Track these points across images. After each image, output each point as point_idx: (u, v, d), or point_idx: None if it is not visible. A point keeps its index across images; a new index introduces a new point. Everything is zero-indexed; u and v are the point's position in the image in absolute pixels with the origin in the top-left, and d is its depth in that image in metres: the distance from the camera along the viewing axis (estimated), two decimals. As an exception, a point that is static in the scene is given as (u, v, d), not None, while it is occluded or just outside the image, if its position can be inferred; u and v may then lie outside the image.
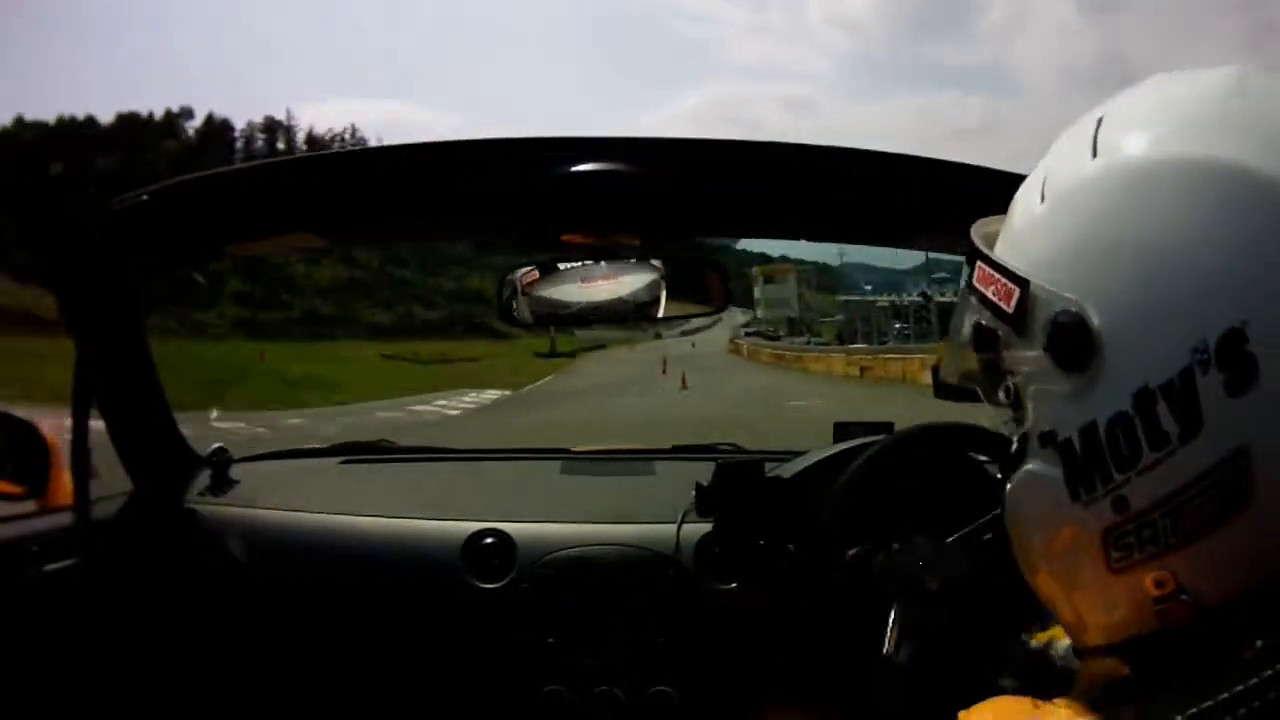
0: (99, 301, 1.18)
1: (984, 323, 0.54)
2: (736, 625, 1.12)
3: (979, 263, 0.54)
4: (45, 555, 1.10)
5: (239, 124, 71.55)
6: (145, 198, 1.06)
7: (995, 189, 0.61)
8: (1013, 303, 0.51)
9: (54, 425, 1.26)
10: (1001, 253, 0.53)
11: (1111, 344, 0.46)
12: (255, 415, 13.84)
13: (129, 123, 62.93)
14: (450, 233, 1.39)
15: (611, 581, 1.16)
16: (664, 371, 25.58)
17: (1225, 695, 0.39)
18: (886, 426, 1.25)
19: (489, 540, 1.19)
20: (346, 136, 74.28)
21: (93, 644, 1.15)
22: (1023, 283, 0.50)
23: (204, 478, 1.34)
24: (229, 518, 1.26)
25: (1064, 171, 0.51)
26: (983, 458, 1.02)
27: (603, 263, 1.15)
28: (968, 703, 0.51)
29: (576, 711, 1.13)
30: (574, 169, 0.98)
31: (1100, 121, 0.51)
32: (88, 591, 1.14)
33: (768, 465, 1.14)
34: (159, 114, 67.07)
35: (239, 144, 68.70)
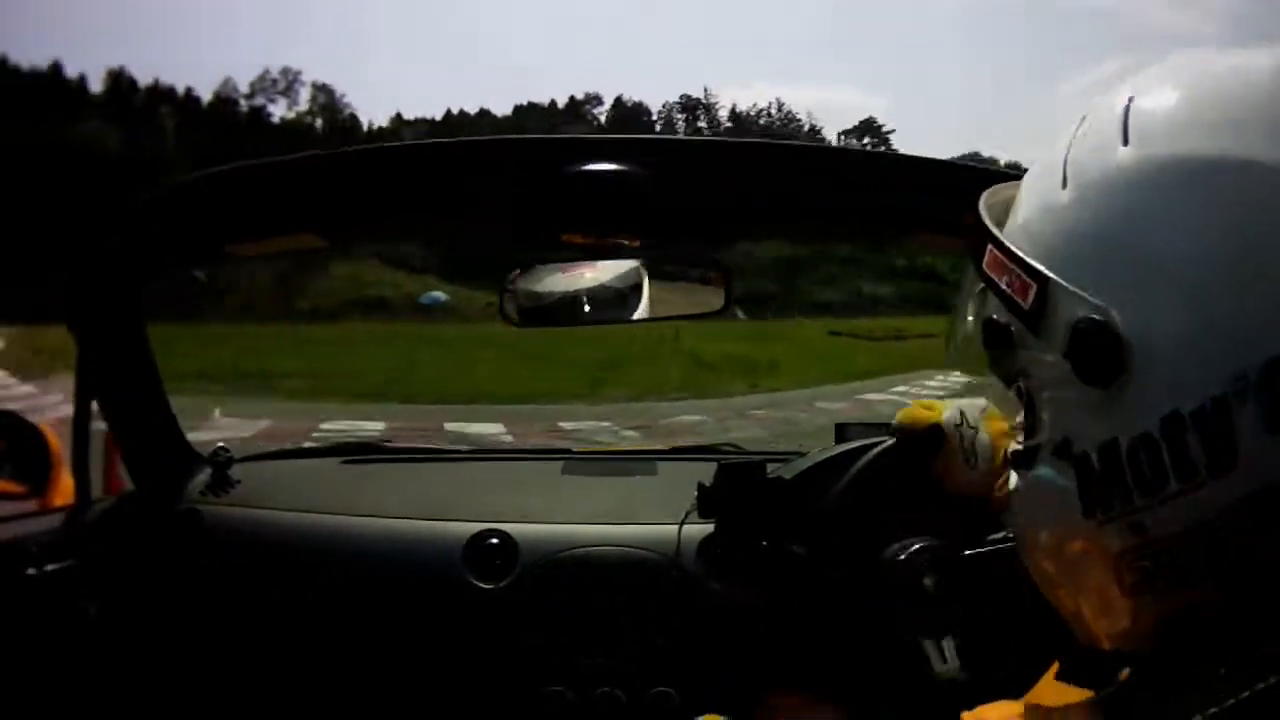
0: (100, 301, 1.18)
1: (996, 316, 0.49)
2: (738, 626, 1.12)
3: (990, 246, 0.49)
4: (45, 555, 1.10)
5: (654, 106, 66.60)
6: (145, 197, 1.06)
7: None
8: (1029, 299, 0.45)
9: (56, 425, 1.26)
10: (1015, 238, 0.48)
11: (1142, 361, 0.42)
12: (646, 405, 11.85)
13: (528, 112, 61.18)
14: (452, 231, 1.39)
15: (613, 582, 1.16)
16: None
17: (1241, 698, 0.38)
18: (887, 427, 1.25)
19: (490, 541, 1.19)
20: (773, 113, 69.43)
21: (93, 644, 1.15)
22: (1042, 279, 0.45)
23: (205, 477, 1.34)
24: (230, 518, 1.26)
25: (1089, 155, 0.46)
26: None
27: (596, 261, 1.16)
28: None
29: (578, 712, 1.13)
30: (576, 169, 0.98)
31: (1130, 103, 0.46)
32: (88, 591, 1.14)
33: (769, 466, 1.15)
34: (561, 103, 63.72)
35: (658, 126, 64.11)
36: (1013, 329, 0.48)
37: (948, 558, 0.93)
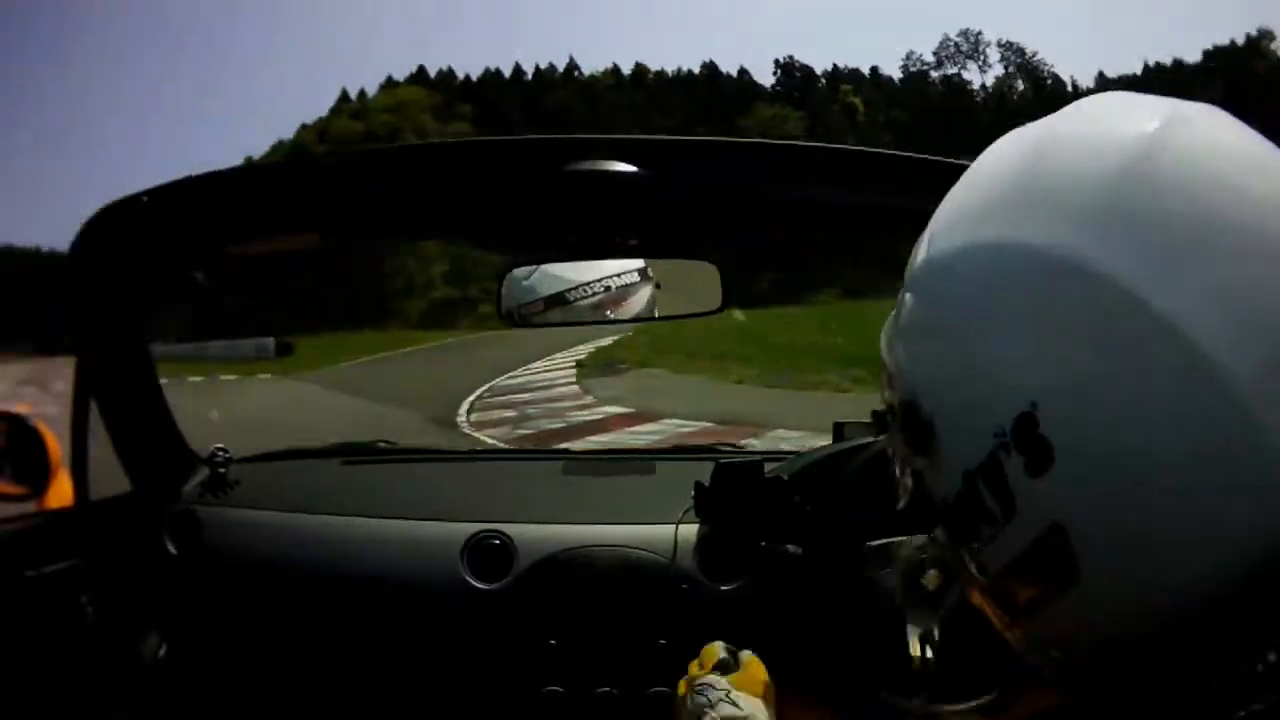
0: (99, 302, 1.18)
1: (876, 409, 0.60)
2: (736, 625, 1.12)
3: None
4: (45, 555, 1.10)
5: None
6: (145, 198, 1.06)
7: None
8: (884, 390, 0.55)
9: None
10: (885, 346, 0.57)
11: (940, 428, 0.49)
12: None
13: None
14: (452, 232, 1.39)
15: (611, 582, 1.16)
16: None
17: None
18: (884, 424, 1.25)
19: (489, 541, 1.19)
20: None
21: (93, 645, 1.15)
22: (888, 375, 0.54)
23: (203, 478, 1.34)
24: (228, 518, 1.26)
25: (911, 265, 0.54)
26: None
27: (600, 263, 1.16)
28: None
29: (576, 712, 1.13)
30: (576, 169, 0.98)
31: (937, 214, 0.54)
32: (88, 592, 1.15)
33: (767, 465, 1.15)
34: None
35: None
36: (888, 419, 0.57)
37: (945, 555, 0.93)
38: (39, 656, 1.09)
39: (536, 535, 1.20)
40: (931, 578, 0.92)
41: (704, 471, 1.15)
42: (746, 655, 0.87)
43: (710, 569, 1.16)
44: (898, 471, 0.58)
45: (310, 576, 1.21)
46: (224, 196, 1.10)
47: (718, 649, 0.87)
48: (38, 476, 1.28)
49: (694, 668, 0.86)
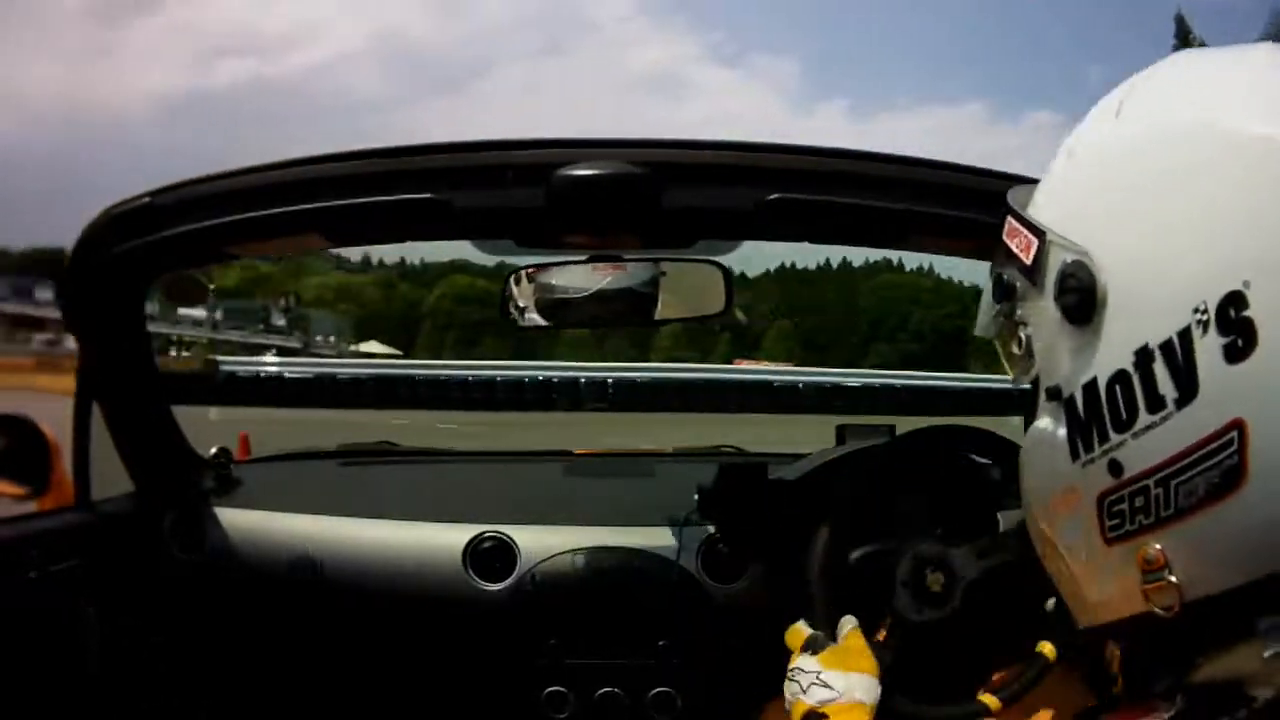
0: (101, 302, 1.18)
1: (1004, 275, 0.55)
2: (739, 627, 1.11)
3: (1008, 216, 0.55)
4: (46, 556, 1.10)
5: None
6: (146, 199, 1.06)
7: (997, 189, 0.61)
8: (1030, 254, 0.51)
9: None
10: (1030, 209, 0.54)
11: (1116, 299, 0.46)
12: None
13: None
14: (453, 233, 1.39)
15: (614, 584, 1.16)
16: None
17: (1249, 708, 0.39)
18: (888, 429, 1.25)
19: (491, 543, 1.19)
20: None
21: (93, 645, 1.15)
22: (1040, 234, 0.50)
23: (205, 479, 1.34)
24: (230, 519, 1.26)
25: (1088, 133, 0.52)
26: (984, 460, 1.02)
27: (607, 264, 1.15)
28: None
29: (579, 713, 1.13)
30: (575, 171, 0.98)
31: (1132, 87, 0.51)
32: (89, 592, 1.14)
33: (770, 468, 1.14)
34: None
35: None
36: (1017, 285, 0.53)
37: (949, 557, 0.92)
38: (40, 657, 1.08)
39: (539, 537, 1.20)
40: (934, 579, 0.91)
41: (706, 473, 1.15)
42: (844, 626, 0.83)
43: (713, 571, 1.15)
44: (1015, 347, 0.54)
45: (312, 578, 1.21)
46: (225, 197, 1.10)
47: (801, 629, 0.84)
48: (38, 476, 1.28)
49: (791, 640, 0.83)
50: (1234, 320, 0.41)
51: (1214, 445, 0.42)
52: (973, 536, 0.91)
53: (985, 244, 0.60)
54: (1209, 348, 0.42)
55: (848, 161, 1.04)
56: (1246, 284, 0.41)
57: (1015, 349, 0.54)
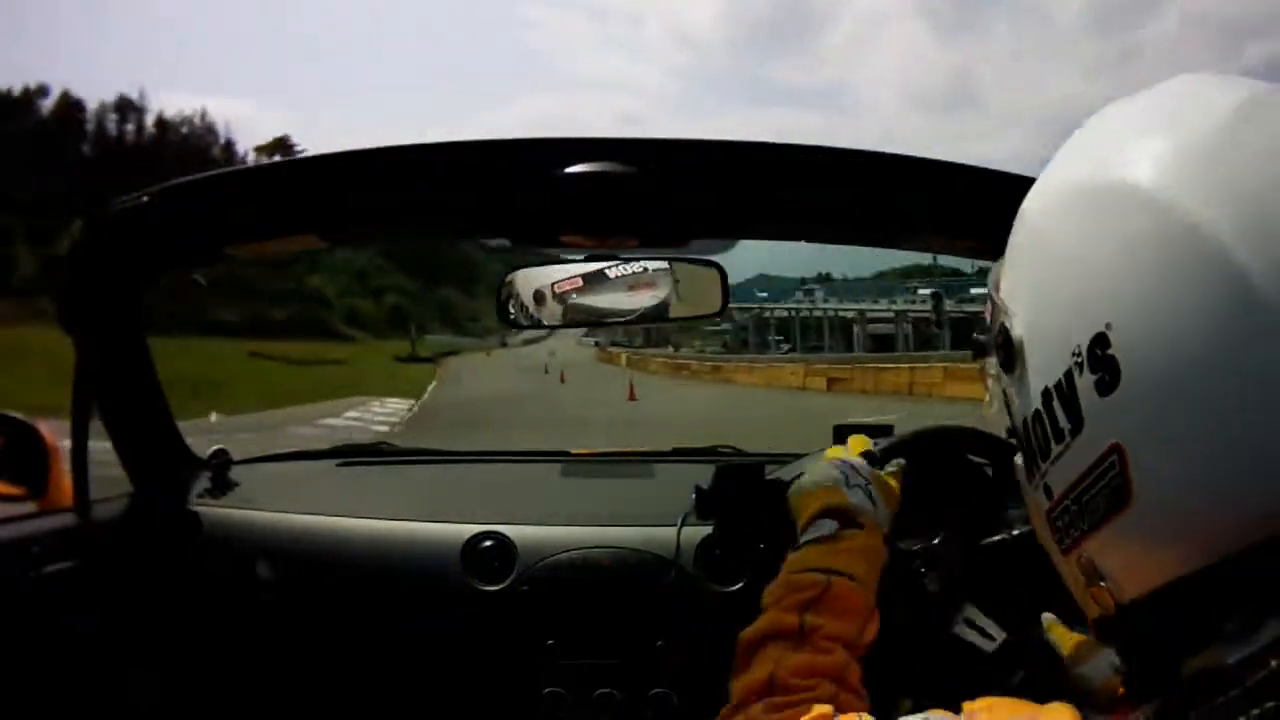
0: (99, 303, 1.18)
1: (978, 336, 0.63)
2: (737, 628, 1.11)
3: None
4: (45, 557, 1.10)
5: (91, 105, 68.26)
6: (145, 199, 1.06)
7: (996, 189, 0.62)
8: (989, 316, 0.59)
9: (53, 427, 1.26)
10: (1002, 271, 0.60)
11: (1028, 349, 0.53)
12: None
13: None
14: (451, 232, 1.39)
15: (611, 584, 1.16)
16: (562, 380, 23.77)
17: (1230, 698, 0.41)
18: (886, 429, 1.25)
19: (489, 543, 1.19)
20: (196, 121, 75.34)
21: (93, 646, 1.15)
22: (991, 302, 0.58)
23: (204, 480, 1.34)
24: (228, 520, 1.26)
25: (1028, 197, 0.57)
26: (980, 460, 1.02)
27: (644, 286, 1.16)
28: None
29: (576, 713, 1.13)
30: (573, 170, 0.98)
31: (1056, 155, 0.56)
32: (88, 593, 1.14)
33: (768, 468, 1.15)
34: (17, 90, 64.68)
35: (90, 125, 67.29)
36: (984, 342, 0.61)
37: (947, 558, 0.93)
38: (39, 657, 1.08)
39: (536, 537, 1.20)
40: (933, 579, 0.92)
41: (704, 474, 1.15)
42: (892, 465, 0.93)
43: (711, 571, 1.16)
44: (989, 398, 0.63)
45: (310, 578, 1.21)
46: (225, 197, 1.10)
47: (868, 442, 0.97)
48: (37, 476, 1.28)
49: (837, 451, 0.94)
50: (1101, 358, 0.47)
51: (1102, 467, 0.48)
52: (971, 538, 0.91)
53: (982, 243, 0.62)
54: (1085, 384, 0.48)
55: (845, 160, 1.04)
56: (1109, 325, 0.47)
57: (988, 398, 0.63)
